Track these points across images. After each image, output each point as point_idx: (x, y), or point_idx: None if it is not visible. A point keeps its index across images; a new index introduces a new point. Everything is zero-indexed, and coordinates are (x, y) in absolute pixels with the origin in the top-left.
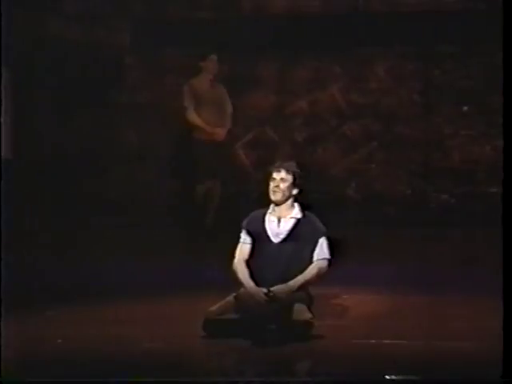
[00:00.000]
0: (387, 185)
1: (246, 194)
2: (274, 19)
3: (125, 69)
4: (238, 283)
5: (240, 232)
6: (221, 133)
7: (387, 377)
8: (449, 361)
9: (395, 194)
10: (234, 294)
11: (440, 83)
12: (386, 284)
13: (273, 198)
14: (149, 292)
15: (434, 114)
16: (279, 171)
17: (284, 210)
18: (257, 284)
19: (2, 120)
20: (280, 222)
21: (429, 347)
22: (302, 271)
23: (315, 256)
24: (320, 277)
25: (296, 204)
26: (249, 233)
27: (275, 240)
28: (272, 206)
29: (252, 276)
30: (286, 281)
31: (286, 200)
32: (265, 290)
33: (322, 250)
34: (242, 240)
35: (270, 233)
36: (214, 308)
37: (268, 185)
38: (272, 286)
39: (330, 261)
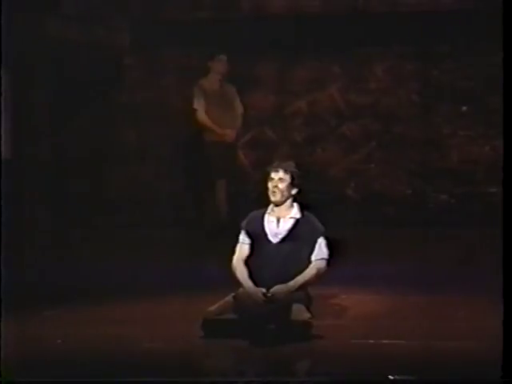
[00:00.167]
0: (386, 185)
1: (245, 194)
2: (273, 19)
3: (124, 69)
4: (237, 283)
5: (239, 232)
6: (231, 134)
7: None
8: (449, 361)
9: (394, 194)
10: (233, 294)
11: (439, 83)
12: (385, 284)
13: (272, 199)
14: (148, 292)
15: (433, 114)
16: (277, 171)
17: (283, 210)
18: (255, 284)
19: (3, 120)
20: (279, 222)
21: (428, 347)
22: (300, 271)
23: (314, 256)
24: (319, 277)
25: (295, 204)
26: (248, 233)
27: (274, 240)
28: (271, 206)
29: (251, 276)
30: (284, 281)
31: (285, 200)
32: (263, 290)
33: (320, 250)
34: (240, 240)
35: (268, 233)
36: (212, 308)
37: (266, 185)
38: (271, 285)
39: (328, 261)
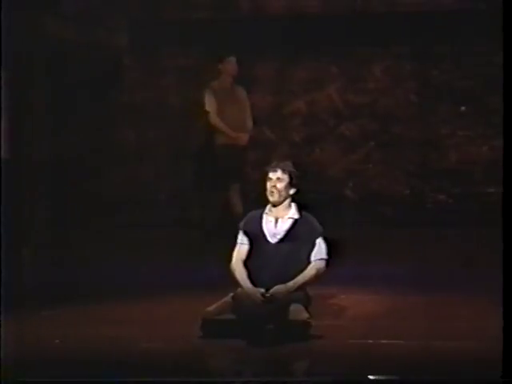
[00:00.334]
0: (384, 185)
1: (243, 194)
2: (272, 19)
3: (123, 69)
4: (236, 283)
5: (237, 232)
6: (244, 137)
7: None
8: (448, 361)
9: (393, 194)
10: (232, 294)
11: (437, 83)
12: (384, 284)
13: (270, 198)
14: (146, 292)
15: (431, 114)
16: (275, 171)
17: (281, 211)
18: (255, 284)
19: (2, 120)
20: (277, 222)
21: (428, 347)
22: (299, 271)
23: (313, 256)
24: (318, 277)
25: (293, 204)
26: (246, 233)
27: (272, 240)
28: (269, 206)
29: (250, 276)
30: (283, 281)
31: (284, 200)
32: (262, 291)
33: (319, 251)
34: (239, 241)
35: (267, 233)
36: (211, 308)
37: (265, 185)
38: (270, 286)
39: (327, 261)
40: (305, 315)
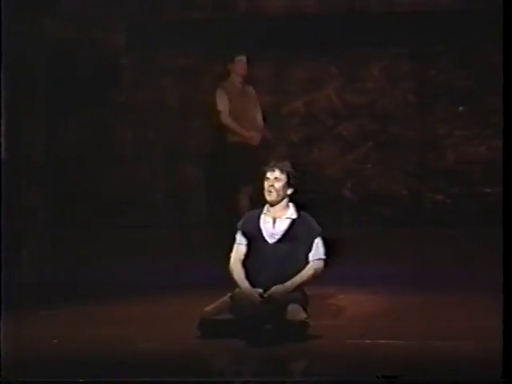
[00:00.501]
0: (383, 185)
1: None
2: (270, 19)
3: (121, 69)
4: (235, 284)
5: (235, 233)
6: (256, 137)
7: (377, 376)
8: (448, 361)
9: (391, 194)
10: (230, 294)
11: (435, 83)
12: (382, 284)
13: (268, 198)
14: (145, 292)
15: (429, 114)
16: (273, 171)
17: (279, 211)
18: (253, 284)
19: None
20: (275, 222)
21: (427, 347)
22: (297, 271)
23: (311, 256)
24: (316, 277)
25: (291, 204)
26: (244, 234)
27: (270, 240)
28: (267, 206)
29: (248, 276)
30: (281, 281)
31: (281, 200)
32: (260, 291)
33: (317, 251)
34: (237, 241)
35: (265, 233)
36: (209, 308)
37: (263, 185)
38: (268, 286)
39: (325, 261)
40: (303, 315)
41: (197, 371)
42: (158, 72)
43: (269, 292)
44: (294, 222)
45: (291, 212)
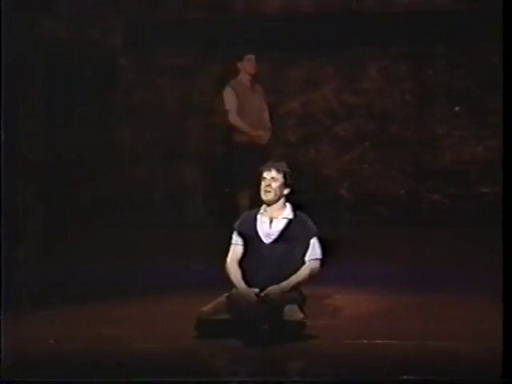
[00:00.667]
0: (380, 185)
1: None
2: (267, 19)
3: (118, 69)
4: (231, 284)
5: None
6: (265, 136)
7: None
8: (448, 361)
9: (388, 194)
10: (226, 295)
11: (433, 83)
12: (379, 284)
13: (264, 197)
14: (142, 292)
15: (427, 114)
16: (270, 170)
17: (275, 211)
18: (249, 285)
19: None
20: (272, 222)
21: (426, 348)
22: (293, 271)
23: (307, 256)
24: (312, 277)
25: (288, 204)
26: (240, 234)
27: (267, 241)
28: (263, 206)
29: (244, 277)
30: (278, 281)
31: (278, 200)
32: (256, 291)
33: (314, 251)
34: (233, 241)
35: (261, 233)
36: (206, 308)
37: (259, 185)
38: (264, 286)
39: (322, 261)
40: (299, 315)
41: (194, 371)
42: (156, 72)
43: (265, 292)
44: (290, 222)
45: (288, 212)
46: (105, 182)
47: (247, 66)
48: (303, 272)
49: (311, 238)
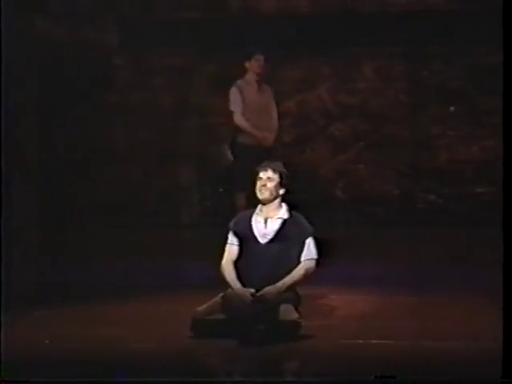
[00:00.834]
0: (375, 185)
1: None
2: (262, 19)
3: (114, 69)
4: (226, 284)
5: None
6: (270, 137)
7: (375, 376)
8: (448, 361)
9: (383, 194)
10: (222, 295)
11: (428, 84)
12: (375, 284)
13: (260, 196)
14: (139, 293)
15: (422, 114)
16: (266, 170)
17: (271, 211)
18: (244, 285)
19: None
20: (267, 222)
21: (422, 348)
22: (289, 272)
23: (303, 256)
24: (308, 277)
25: (283, 204)
26: (236, 234)
27: (262, 241)
28: (259, 206)
29: (240, 277)
30: (273, 281)
31: (274, 199)
32: (251, 291)
33: (309, 251)
34: (229, 241)
35: (256, 233)
36: (201, 308)
37: (255, 184)
38: (259, 286)
39: (317, 261)
40: (295, 315)
41: (189, 371)
42: (151, 72)
43: (261, 292)
44: (285, 222)
45: (283, 212)
46: (102, 183)
47: (255, 65)
48: (298, 272)
49: (306, 237)
